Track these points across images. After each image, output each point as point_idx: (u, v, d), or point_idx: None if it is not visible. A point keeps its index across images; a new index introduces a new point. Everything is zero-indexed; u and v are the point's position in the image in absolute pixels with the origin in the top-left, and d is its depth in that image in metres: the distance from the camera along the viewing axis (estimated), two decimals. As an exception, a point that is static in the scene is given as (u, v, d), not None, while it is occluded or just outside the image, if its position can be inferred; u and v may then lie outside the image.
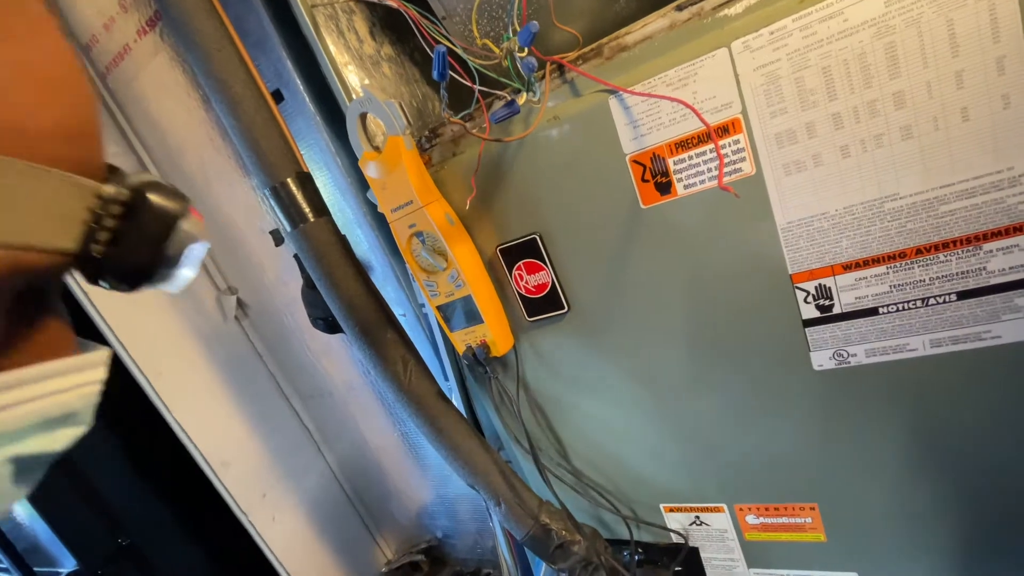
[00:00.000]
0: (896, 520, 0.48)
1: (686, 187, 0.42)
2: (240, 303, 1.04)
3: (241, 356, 1.04)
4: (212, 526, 1.01)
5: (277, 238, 0.89)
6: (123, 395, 0.92)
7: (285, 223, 0.55)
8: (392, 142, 0.47)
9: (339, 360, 1.01)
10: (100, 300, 0.86)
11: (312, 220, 0.55)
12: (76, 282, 0.86)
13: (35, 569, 0.97)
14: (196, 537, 1.01)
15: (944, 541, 0.48)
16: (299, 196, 0.55)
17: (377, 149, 0.49)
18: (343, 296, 0.56)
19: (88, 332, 0.87)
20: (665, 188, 0.43)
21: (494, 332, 0.51)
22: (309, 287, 0.85)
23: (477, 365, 0.53)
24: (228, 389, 1.00)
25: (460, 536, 1.12)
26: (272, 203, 0.55)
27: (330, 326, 0.91)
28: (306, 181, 0.56)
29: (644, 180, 0.43)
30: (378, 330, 0.57)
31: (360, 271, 0.58)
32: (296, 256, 0.88)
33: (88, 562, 0.91)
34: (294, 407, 1.10)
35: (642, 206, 0.44)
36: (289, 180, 0.54)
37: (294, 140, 0.58)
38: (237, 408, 1.00)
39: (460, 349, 0.54)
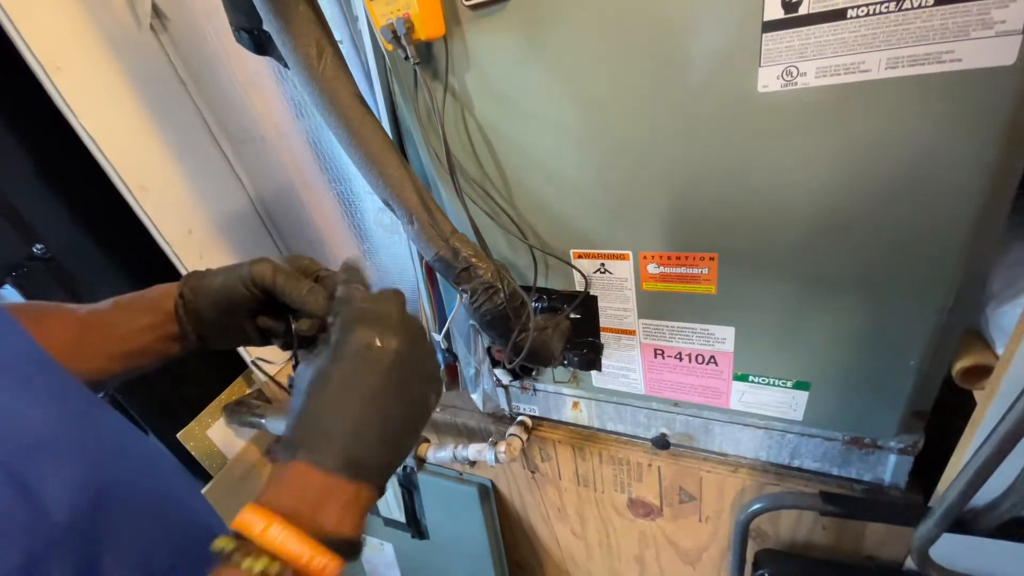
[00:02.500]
0: (787, 278, 0.50)
1: None
2: (156, 10, 0.89)
3: (159, 75, 0.92)
4: (137, 253, 0.99)
5: (191, -89, 0.72)
6: (23, 93, 0.81)
7: None
8: None
9: (269, 97, 0.91)
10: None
11: None
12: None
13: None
14: (120, 260, 1.00)
15: (823, 303, 0.50)
16: None
17: None
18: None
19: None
20: None
21: (420, 4, 0.44)
22: (227, -24, 0.71)
23: (399, 47, 0.46)
24: (143, 107, 0.90)
25: (390, 306, 1.16)
26: None
27: (256, 43, 0.80)
28: None
29: None
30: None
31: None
32: (215, -60, 0.72)
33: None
34: (222, 148, 1.02)
35: None
36: None
37: None
38: (154, 130, 0.92)
39: (379, 23, 0.47)
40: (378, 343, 0.33)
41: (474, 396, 0.90)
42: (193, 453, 1.03)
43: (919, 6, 0.34)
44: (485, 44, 0.48)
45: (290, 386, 0.40)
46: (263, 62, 0.86)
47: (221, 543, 0.27)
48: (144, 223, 0.92)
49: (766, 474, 0.69)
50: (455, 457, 0.85)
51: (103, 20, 0.85)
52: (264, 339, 0.47)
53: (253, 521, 0.27)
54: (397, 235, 0.94)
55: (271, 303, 0.44)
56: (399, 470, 1.05)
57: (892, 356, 0.51)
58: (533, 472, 0.92)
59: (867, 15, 0.35)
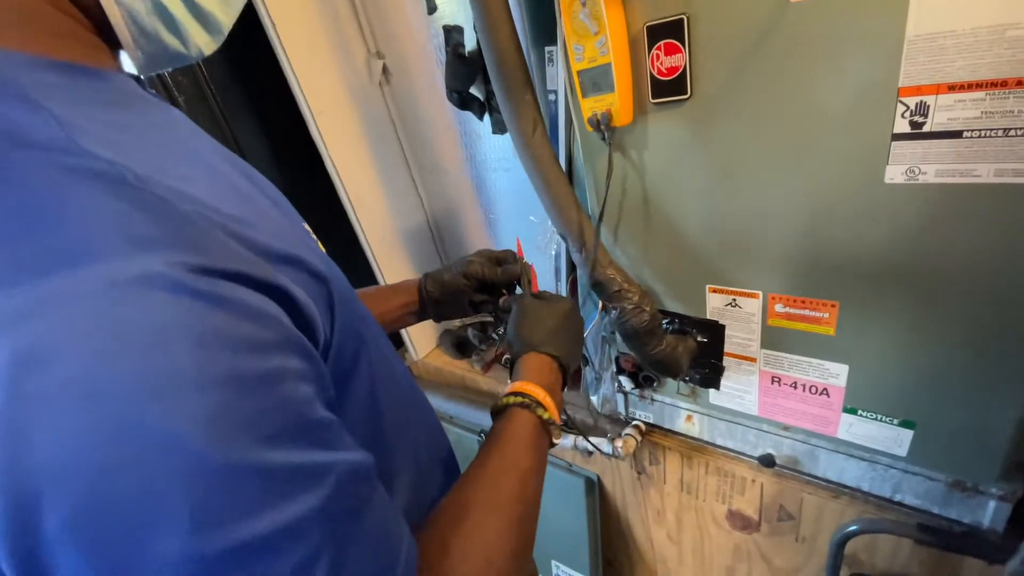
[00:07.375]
0: (901, 330, 0.60)
1: (835, -17, 0.47)
2: (385, 69, 1.17)
3: (379, 119, 1.20)
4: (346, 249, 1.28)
5: (431, 4, 0.97)
6: (291, 127, 1.13)
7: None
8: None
9: (454, 142, 1.15)
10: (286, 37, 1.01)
11: (483, -31, 0.63)
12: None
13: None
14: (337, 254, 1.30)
15: (934, 353, 0.59)
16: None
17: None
18: (498, 48, 0.66)
19: (267, 62, 1.03)
20: (817, -18, 0.47)
21: (621, 102, 0.62)
22: (456, 57, 0.96)
23: (599, 131, 0.64)
24: (367, 143, 1.19)
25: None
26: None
27: (462, 101, 1.04)
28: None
29: (800, -30, 0.48)
30: (520, 90, 0.69)
31: (514, 32, 0.67)
32: (445, 27, 0.97)
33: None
34: (413, 177, 1.29)
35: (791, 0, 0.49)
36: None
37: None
38: (371, 160, 1.20)
39: (587, 115, 0.65)
40: (566, 302, 0.62)
41: (593, 398, 1.05)
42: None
43: (1022, 135, 0.45)
44: (661, 128, 0.64)
45: (505, 312, 0.66)
46: (454, 116, 1.10)
47: (513, 399, 0.47)
48: (355, 229, 1.20)
49: (867, 504, 0.76)
50: (575, 445, 1.01)
51: (349, 76, 1.14)
52: (476, 311, 0.72)
53: (536, 391, 0.48)
54: (544, 255, 1.13)
55: (481, 285, 0.70)
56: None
57: (996, 406, 0.58)
58: (640, 473, 1.05)
59: (980, 136, 0.47)
